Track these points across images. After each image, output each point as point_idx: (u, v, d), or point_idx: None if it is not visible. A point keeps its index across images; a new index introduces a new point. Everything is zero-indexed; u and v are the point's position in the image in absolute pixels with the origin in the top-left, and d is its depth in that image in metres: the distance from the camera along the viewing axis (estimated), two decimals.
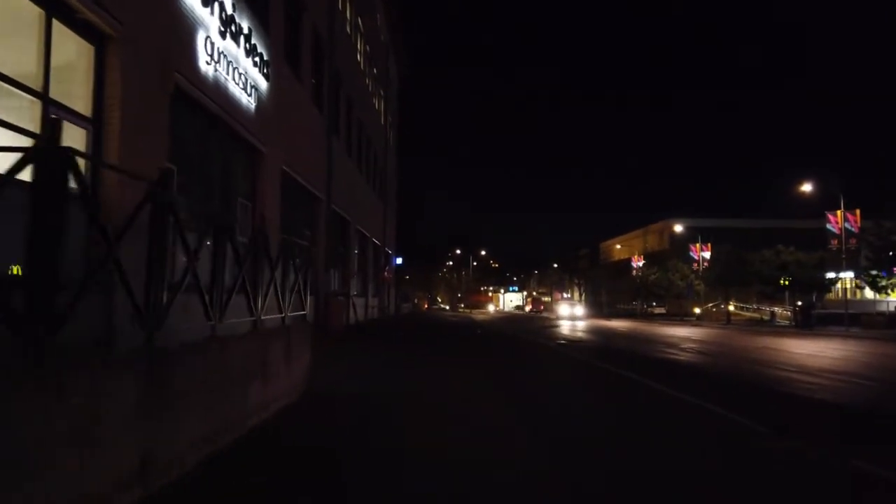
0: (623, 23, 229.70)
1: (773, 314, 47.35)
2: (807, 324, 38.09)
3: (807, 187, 35.67)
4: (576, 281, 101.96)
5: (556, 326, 35.74)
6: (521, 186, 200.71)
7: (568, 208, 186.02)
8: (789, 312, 46.21)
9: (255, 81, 11.82)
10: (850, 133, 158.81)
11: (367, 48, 28.54)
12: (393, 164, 42.85)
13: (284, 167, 14.43)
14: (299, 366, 6.92)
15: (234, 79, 10.69)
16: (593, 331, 30.47)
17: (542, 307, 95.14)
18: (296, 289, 7.60)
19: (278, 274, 6.76)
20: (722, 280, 48.76)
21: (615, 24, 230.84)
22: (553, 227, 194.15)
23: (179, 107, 9.20)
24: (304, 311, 7.86)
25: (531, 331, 28.36)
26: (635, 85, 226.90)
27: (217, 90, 10.06)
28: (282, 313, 6.71)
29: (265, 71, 12.37)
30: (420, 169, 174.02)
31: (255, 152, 12.71)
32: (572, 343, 19.80)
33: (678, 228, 59.37)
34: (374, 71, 31.65)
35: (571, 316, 52.64)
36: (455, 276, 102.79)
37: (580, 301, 56.80)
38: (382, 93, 35.09)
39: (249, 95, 11.55)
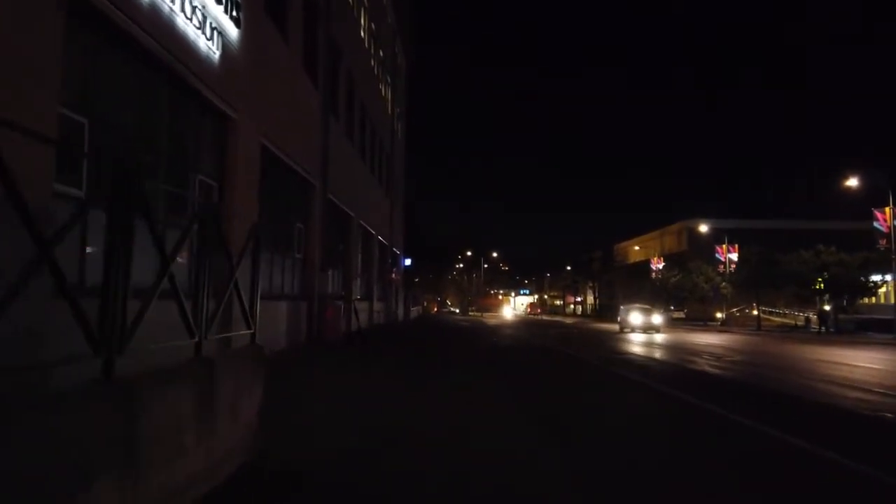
0: (623, 21, 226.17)
1: (807, 320, 44.29)
2: (823, 330, 36.71)
3: (852, 182, 32.61)
4: (590, 284, 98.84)
5: (581, 334, 32.91)
6: (524, 186, 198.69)
7: (574, 209, 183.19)
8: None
9: (218, 23, 9.15)
10: (851, 132, 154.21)
11: (372, 26, 25.89)
12: (401, 158, 40.20)
13: (265, 142, 11.76)
14: (235, 424, 4.19)
15: (184, 11, 8.01)
16: (618, 339, 27.61)
17: (538, 310, 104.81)
18: (248, 292, 4.93)
19: (200, 263, 4.05)
20: (751, 283, 45.69)
21: (619, 22, 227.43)
22: (560, 229, 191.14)
23: (92, 35, 6.55)
24: (250, 328, 5.17)
25: (554, 338, 25.56)
26: (636, 86, 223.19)
27: (155, 20, 7.38)
28: (195, 336, 3.95)
29: (234, 14, 9.71)
30: (426, 167, 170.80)
31: (222, 118, 10.04)
32: (610, 357, 16.99)
33: (703, 229, 56.20)
34: (381, 53, 29.01)
35: (646, 326, 33.03)
36: (465, 278, 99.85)
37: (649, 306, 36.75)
38: (389, 80, 32.46)
39: (210, 40, 8.88)
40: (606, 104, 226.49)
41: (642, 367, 13.71)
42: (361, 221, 23.55)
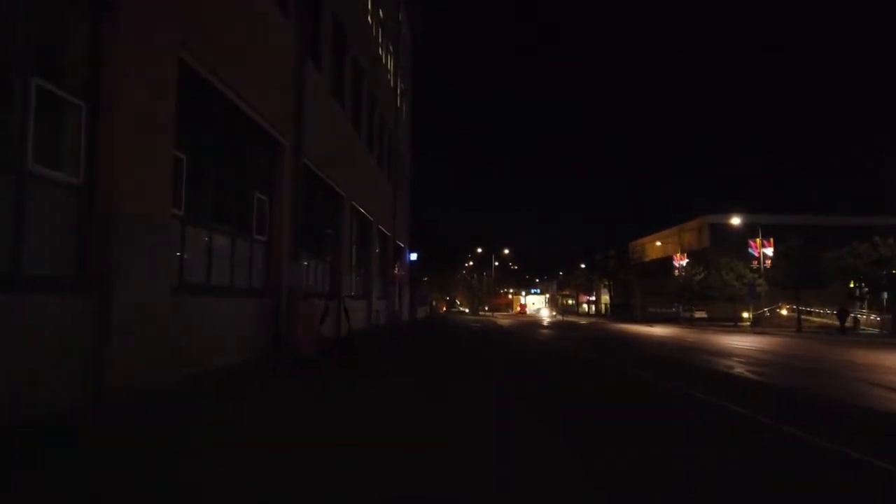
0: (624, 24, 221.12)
1: (856, 321, 40.04)
2: (843, 330, 35.54)
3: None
4: (605, 283, 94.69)
5: (617, 336, 28.91)
6: (531, 186, 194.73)
7: (582, 208, 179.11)
8: (878, 318, 38.98)
9: None
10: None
11: None
12: (407, 141, 36.33)
13: (190, 60, 7.89)
14: None
15: None
16: (649, 343, 23.66)
17: (525, 308, 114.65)
18: None
19: None
20: (791, 279, 41.40)
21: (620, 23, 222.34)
22: (570, 229, 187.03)
23: None
24: None
25: (577, 342, 21.62)
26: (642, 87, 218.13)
27: None
28: None
29: None
30: (432, 160, 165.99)
31: (98, 5, 6.19)
32: (654, 363, 13.01)
33: (735, 221, 51.98)
34: (381, 14, 25.15)
35: None
36: (475, 277, 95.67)
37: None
38: (391, 48, 28.58)
39: None
40: (607, 103, 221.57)
41: None
42: (356, 204, 19.71)
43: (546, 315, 73.42)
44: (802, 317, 42.07)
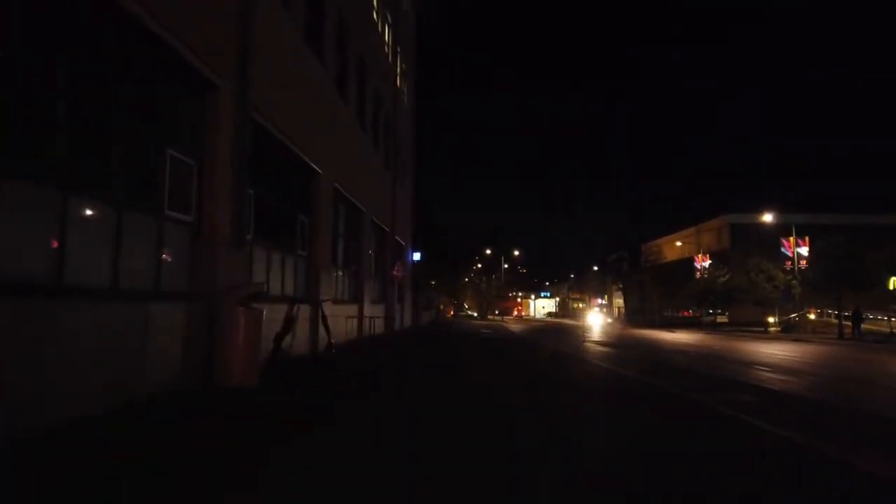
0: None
1: None
2: (857, 334, 34.01)
3: None
4: (619, 286, 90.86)
5: (652, 345, 25.24)
6: (531, 189, 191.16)
7: (590, 211, 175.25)
8: None
9: None
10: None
11: None
12: (409, 129, 32.81)
13: None
14: None
15: None
16: (681, 352, 20.01)
17: (522, 312, 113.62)
18: None
19: None
20: (831, 281, 37.53)
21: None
22: (579, 232, 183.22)
23: None
24: None
25: (613, 359, 18.04)
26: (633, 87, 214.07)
27: None
28: None
29: None
30: (436, 160, 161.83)
31: None
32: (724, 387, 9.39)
33: (767, 218, 48.10)
34: None
35: None
36: (483, 280, 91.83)
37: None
38: (389, 18, 25.10)
39: None
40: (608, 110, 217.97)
41: None
42: (341, 188, 16.20)
43: (597, 323, 57.43)
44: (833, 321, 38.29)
